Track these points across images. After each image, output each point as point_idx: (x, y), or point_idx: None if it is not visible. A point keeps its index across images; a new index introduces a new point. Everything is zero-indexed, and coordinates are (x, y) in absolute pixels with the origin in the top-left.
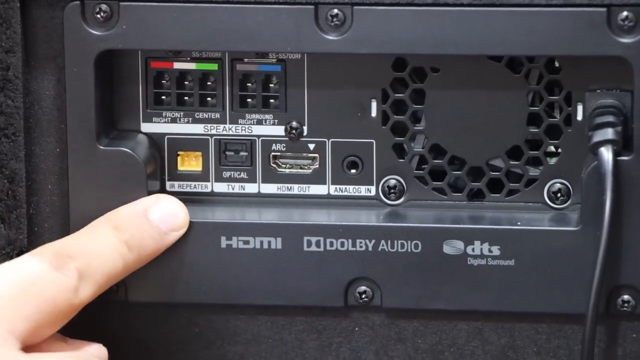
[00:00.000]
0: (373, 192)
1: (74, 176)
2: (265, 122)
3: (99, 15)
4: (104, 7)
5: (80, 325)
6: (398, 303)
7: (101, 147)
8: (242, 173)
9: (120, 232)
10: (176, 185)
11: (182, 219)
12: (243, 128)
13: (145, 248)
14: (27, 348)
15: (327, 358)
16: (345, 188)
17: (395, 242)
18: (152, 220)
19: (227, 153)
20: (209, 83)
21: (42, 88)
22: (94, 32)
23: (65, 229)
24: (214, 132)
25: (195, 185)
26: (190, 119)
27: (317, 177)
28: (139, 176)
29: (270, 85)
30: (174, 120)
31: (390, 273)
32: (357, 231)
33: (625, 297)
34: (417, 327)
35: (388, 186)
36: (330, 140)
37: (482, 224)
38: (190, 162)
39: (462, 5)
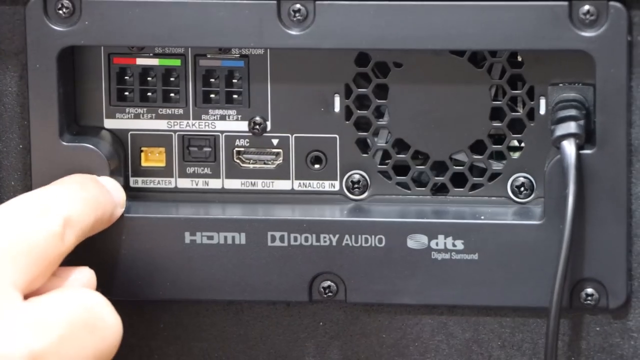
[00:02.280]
0: (337, 187)
1: (37, 172)
2: (229, 117)
3: (61, 11)
4: (66, 3)
5: None
6: (362, 298)
7: (64, 143)
8: (205, 169)
9: (86, 190)
10: (140, 181)
11: (123, 196)
12: (206, 124)
13: (105, 211)
14: (26, 296)
15: (292, 353)
16: (309, 183)
17: (359, 236)
18: (106, 187)
19: (191, 149)
20: (172, 79)
21: (5, 84)
22: (56, 28)
23: None
24: (177, 127)
25: (159, 181)
26: (153, 114)
27: (281, 173)
28: (103, 172)
29: (234, 80)
30: (137, 116)
31: (354, 268)
32: (321, 226)
33: (589, 290)
34: (382, 322)
35: (352, 181)
36: (293, 135)
37: (446, 218)
38: (153, 158)
39: None
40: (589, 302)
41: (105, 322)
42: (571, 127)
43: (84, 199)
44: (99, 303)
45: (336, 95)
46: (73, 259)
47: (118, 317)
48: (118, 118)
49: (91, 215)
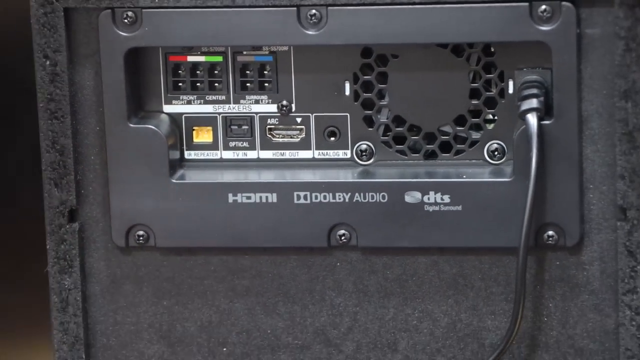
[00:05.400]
0: (348, 155)
1: (110, 148)
2: (262, 101)
3: (126, 20)
4: (130, 13)
5: (121, 267)
6: (370, 242)
7: (131, 125)
8: (244, 142)
9: None
10: (192, 154)
11: None
12: (244, 107)
13: None
14: None
15: (316, 287)
16: (326, 152)
17: (367, 194)
18: None
19: (232, 127)
20: (215, 72)
21: (84, 79)
22: (122, 33)
23: (105, 190)
24: (221, 110)
25: (207, 153)
26: (202, 101)
27: (304, 144)
28: (162, 147)
29: (265, 72)
30: (189, 102)
31: (363, 219)
32: (337, 186)
33: (550, 232)
34: (386, 262)
35: (360, 150)
36: (313, 114)
37: (436, 178)
38: (203, 135)
39: (414, 3)
40: (550, 241)
41: None
42: (533, 102)
43: None
44: None
45: (346, 81)
46: (135, 215)
47: None
48: (174, 104)
49: None
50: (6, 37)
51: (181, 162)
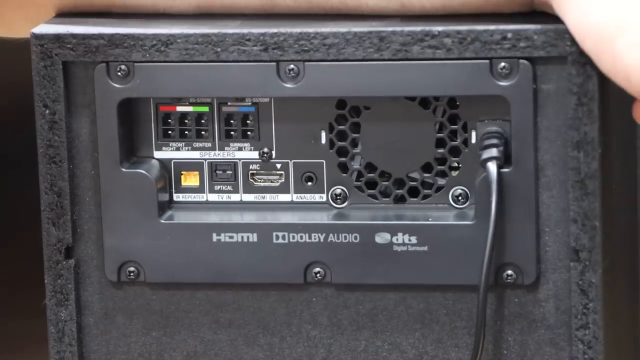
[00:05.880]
0: (324, 199)
1: (104, 191)
2: (244, 148)
3: (119, 73)
4: (123, 67)
5: (113, 301)
6: (344, 279)
7: (124, 169)
8: (228, 186)
9: None
10: (180, 196)
11: None
12: (228, 153)
13: None
14: None
15: (293, 321)
16: (304, 196)
17: (341, 234)
18: None
19: (217, 172)
20: (202, 121)
21: (80, 127)
22: (116, 85)
23: (99, 229)
24: (207, 157)
25: (194, 196)
26: (189, 147)
27: (283, 188)
28: (152, 190)
29: (247, 121)
30: (178, 149)
31: (337, 257)
32: (313, 227)
33: (509, 271)
34: (358, 297)
35: (335, 194)
36: (292, 161)
37: (404, 220)
38: (190, 179)
39: (384, 60)
40: (509, 280)
41: None
42: (493, 152)
43: None
44: None
45: (322, 131)
46: (127, 252)
47: None
48: (164, 150)
49: None
50: (10, 89)
51: (170, 204)
